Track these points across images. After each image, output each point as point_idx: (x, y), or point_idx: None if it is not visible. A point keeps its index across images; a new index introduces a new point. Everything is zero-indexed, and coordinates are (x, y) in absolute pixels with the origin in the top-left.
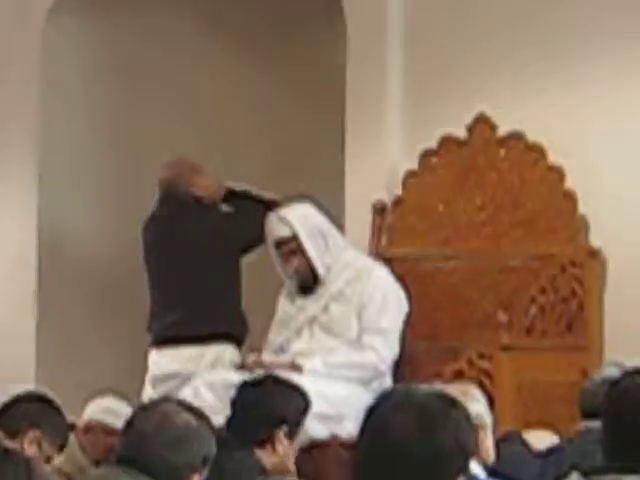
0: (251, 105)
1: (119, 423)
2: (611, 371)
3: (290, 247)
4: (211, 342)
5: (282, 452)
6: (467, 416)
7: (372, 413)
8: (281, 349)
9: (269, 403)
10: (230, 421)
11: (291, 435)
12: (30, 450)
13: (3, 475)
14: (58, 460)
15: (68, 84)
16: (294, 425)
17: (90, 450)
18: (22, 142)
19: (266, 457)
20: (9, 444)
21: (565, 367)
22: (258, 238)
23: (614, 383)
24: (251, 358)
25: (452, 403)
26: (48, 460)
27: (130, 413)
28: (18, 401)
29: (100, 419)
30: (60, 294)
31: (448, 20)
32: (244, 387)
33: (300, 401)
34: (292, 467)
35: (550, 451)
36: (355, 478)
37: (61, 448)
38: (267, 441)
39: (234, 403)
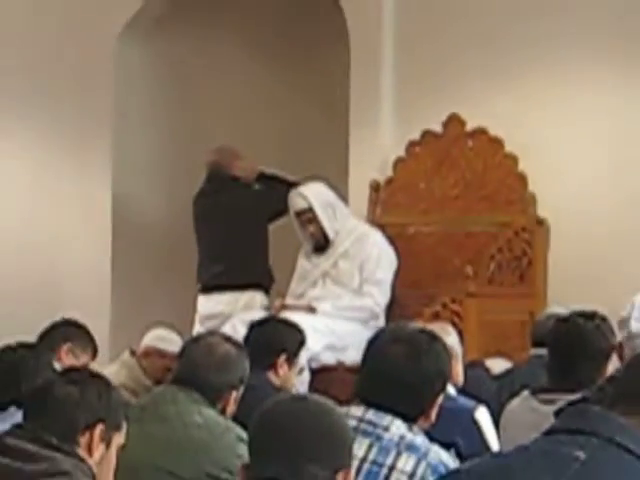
0: (274, 106)
1: (170, 347)
2: (557, 310)
3: (307, 216)
4: (245, 289)
5: (283, 375)
6: (445, 347)
7: (371, 345)
8: (300, 296)
9: (271, 336)
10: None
11: (290, 362)
12: (67, 359)
13: (87, 391)
14: (124, 377)
15: (138, 91)
16: (292, 354)
17: (149, 370)
18: (100, 132)
19: (273, 378)
20: (51, 355)
21: (517, 309)
22: (282, 210)
23: (559, 320)
24: (277, 302)
25: (433, 337)
26: (85, 367)
27: (179, 340)
28: (54, 326)
29: (155, 345)
30: (129, 254)
31: (431, 38)
32: (253, 325)
33: (297, 336)
34: (291, 388)
35: (505, 374)
36: (357, 396)
37: (93, 356)
38: (272, 366)
39: (247, 337)
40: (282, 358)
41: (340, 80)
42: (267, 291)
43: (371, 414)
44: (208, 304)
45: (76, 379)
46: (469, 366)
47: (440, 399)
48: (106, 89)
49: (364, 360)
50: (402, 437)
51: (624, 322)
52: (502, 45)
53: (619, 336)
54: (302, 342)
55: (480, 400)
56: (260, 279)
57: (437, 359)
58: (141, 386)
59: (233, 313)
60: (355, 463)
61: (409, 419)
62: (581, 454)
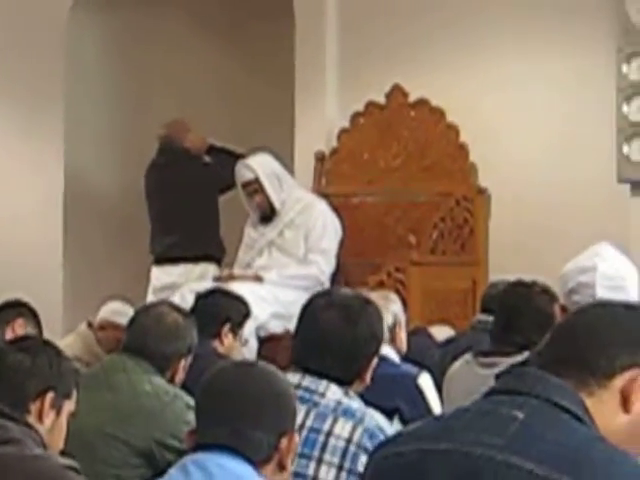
0: (221, 79)
1: (125, 321)
2: (504, 281)
3: (253, 187)
4: (198, 262)
5: (227, 344)
6: (377, 310)
7: (305, 311)
8: (247, 265)
9: (216, 307)
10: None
11: (234, 332)
12: (19, 330)
13: (38, 359)
14: (78, 350)
15: (88, 65)
16: (236, 325)
17: (104, 343)
18: (51, 105)
19: (218, 347)
20: (4, 328)
21: (459, 278)
22: (231, 182)
23: (508, 285)
24: (225, 272)
25: (367, 301)
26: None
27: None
28: (8, 303)
29: (110, 318)
30: (82, 226)
31: (374, 11)
32: (200, 296)
33: (241, 307)
34: (237, 356)
35: (448, 341)
36: (293, 362)
37: (39, 328)
38: (216, 335)
39: (193, 307)
40: (226, 328)
41: (286, 52)
42: (219, 263)
43: (307, 380)
44: (161, 276)
45: (27, 347)
46: (413, 333)
47: (374, 362)
48: (57, 63)
49: (298, 326)
50: (339, 403)
51: (581, 286)
52: (443, 18)
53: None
54: (246, 314)
55: (424, 366)
56: (212, 251)
57: (370, 322)
58: (95, 357)
59: (184, 283)
60: (295, 433)
61: (345, 383)
62: (519, 414)
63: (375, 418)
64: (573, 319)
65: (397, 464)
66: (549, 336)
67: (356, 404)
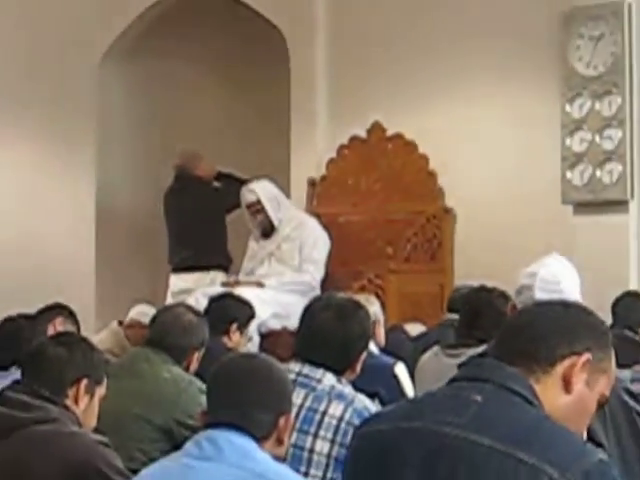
0: (230, 119)
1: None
2: (469, 283)
3: (256, 208)
4: (209, 270)
5: (235, 340)
6: (367, 313)
7: (306, 311)
8: (251, 273)
9: (226, 309)
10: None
11: (241, 330)
12: (59, 327)
13: (74, 351)
14: (110, 344)
15: (117, 106)
16: (243, 324)
17: (132, 339)
18: (85, 141)
19: (227, 342)
20: (46, 325)
21: (429, 283)
22: (237, 204)
23: (471, 289)
24: (232, 278)
25: (358, 304)
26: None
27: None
28: (50, 306)
29: (138, 318)
30: (110, 240)
31: (358, 60)
32: (212, 299)
33: (247, 310)
34: (242, 350)
35: (420, 336)
36: (295, 354)
37: (76, 325)
38: (225, 332)
39: (207, 309)
40: (234, 326)
41: (283, 95)
42: (226, 270)
43: (307, 369)
44: (178, 282)
45: (65, 341)
46: (390, 330)
47: (364, 355)
48: (90, 105)
49: (300, 324)
50: (332, 387)
51: (524, 288)
52: (414, 67)
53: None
54: (252, 316)
55: (399, 358)
56: (221, 261)
57: (361, 322)
58: (124, 350)
59: (198, 289)
60: (294, 409)
61: (338, 372)
62: (478, 397)
63: (362, 400)
64: (518, 317)
65: (377, 439)
66: (500, 331)
67: (347, 389)
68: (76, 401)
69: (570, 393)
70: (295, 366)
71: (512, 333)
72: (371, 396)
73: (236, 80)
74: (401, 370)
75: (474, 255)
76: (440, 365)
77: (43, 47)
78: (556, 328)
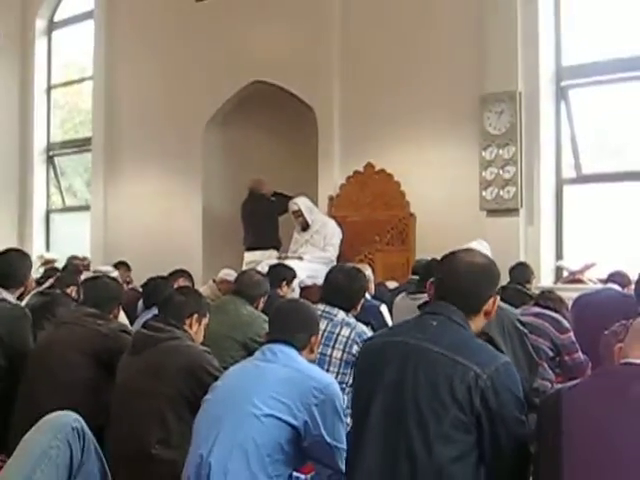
0: (283, 164)
1: (232, 278)
2: (423, 259)
3: (298, 214)
4: (267, 249)
5: (284, 291)
6: (364, 275)
7: (329, 274)
8: (294, 252)
9: (279, 271)
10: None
11: (288, 285)
12: (181, 283)
13: (189, 297)
14: (208, 294)
15: (215, 154)
16: (289, 281)
17: (222, 290)
18: (195, 174)
19: (279, 293)
20: (174, 282)
21: (400, 258)
22: (285, 210)
23: (428, 260)
24: (282, 255)
25: (358, 270)
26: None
27: (236, 274)
28: (176, 270)
29: (225, 277)
30: (211, 234)
31: (357, 126)
32: (270, 267)
33: (291, 272)
34: (289, 297)
35: (395, 289)
36: (321, 299)
37: (191, 282)
38: (279, 286)
39: (267, 272)
40: (284, 283)
41: (314, 148)
42: (278, 250)
43: (328, 308)
44: (249, 256)
45: (184, 292)
46: (377, 285)
47: (362, 300)
48: (199, 154)
49: (325, 281)
50: (343, 319)
51: None
52: (390, 131)
53: None
54: (294, 276)
55: (382, 301)
56: (275, 244)
57: (360, 281)
58: (218, 298)
59: (262, 260)
60: (320, 332)
61: (346, 310)
62: (434, 322)
63: (361, 327)
64: (457, 275)
65: (373, 348)
66: (446, 286)
67: (352, 320)
68: (190, 327)
69: (488, 319)
70: (321, 306)
71: (454, 288)
72: (366, 324)
73: (286, 136)
74: (384, 309)
75: (427, 241)
76: (406, 305)
77: (173, 113)
78: (480, 283)
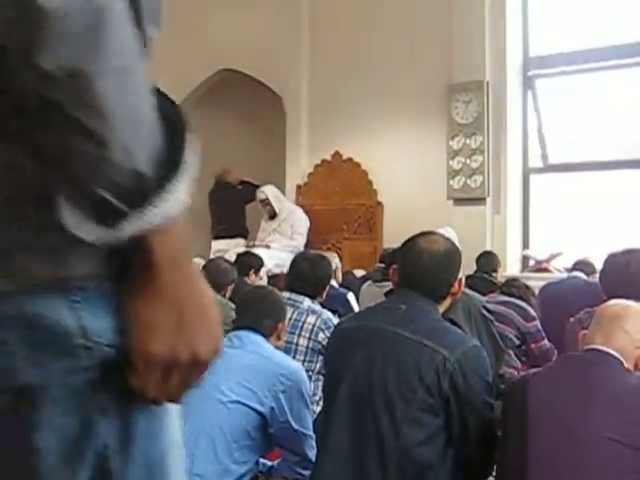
0: (251, 151)
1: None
2: (390, 248)
3: (265, 202)
4: (235, 238)
5: (252, 280)
6: (329, 262)
7: (293, 261)
8: (262, 240)
9: (247, 260)
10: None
11: (255, 273)
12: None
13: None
14: None
15: None
16: (257, 270)
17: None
18: None
19: (248, 281)
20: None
21: (368, 246)
22: (251, 199)
23: (390, 252)
24: (250, 243)
25: (323, 257)
26: None
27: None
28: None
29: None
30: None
31: (326, 110)
32: (238, 255)
33: (260, 260)
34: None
35: (362, 277)
36: (287, 286)
37: None
38: (247, 275)
39: (235, 261)
40: (251, 271)
41: (281, 135)
42: (245, 238)
43: (294, 295)
44: (216, 245)
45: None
46: (345, 273)
47: (328, 288)
48: None
49: (290, 269)
50: (309, 307)
51: None
52: (360, 120)
53: None
54: (262, 265)
55: (350, 289)
56: (242, 232)
57: (325, 268)
58: None
59: (230, 249)
60: (285, 321)
61: (312, 297)
62: (403, 306)
63: (328, 314)
64: (422, 264)
65: (342, 332)
66: (414, 274)
67: (318, 307)
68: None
69: (455, 298)
70: (286, 294)
71: (419, 276)
72: (333, 312)
73: (254, 125)
74: (351, 297)
75: (394, 229)
76: (372, 292)
77: None
78: (443, 270)
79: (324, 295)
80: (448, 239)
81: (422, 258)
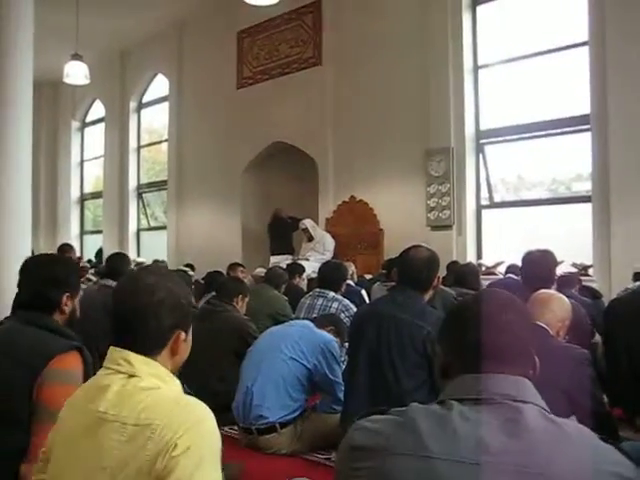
0: (295, 195)
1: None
2: (390, 258)
3: (305, 230)
4: (285, 254)
5: (298, 281)
6: (346, 268)
7: (320, 268)
8: (303, 256)
9: (292, 268)
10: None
11: (300, 277)
12: (238, 274)
13: (238, 284)
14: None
15: (249, 193)
16: (300, 275)
17: (256, 281)
18: (235, 207)
19: (294, 282)
20: (231, 273)
21: (374, 259)
22: (296, 227)
23: (388, 262)
24: (295, 258)
25: (341, 263)
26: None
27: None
28: (230, 264)
29: (258, 273)
30: (247, 243)
31: (346, 168)
32: (287, 265)
33: (302, 268)
34: (301, 285)
35: (370, 279)
36: (317, 284)
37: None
38: (294, 278)
39: (286, 268)
40: (297, 275)
41: (316, 187)
42: (292, 254)
43: (323, 290)
44: (274, 259)
45: (233, 280)
46: (359, 277)
47: (344, 286)
48: (238, 189)
49: (318, 272)
50: (333, 296)
51: None
52: (368, 173)
53: None
54: (304, 271)
55: (363, 287)
56: (290, 250)
57: (340, 270)
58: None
59: (282, 262)
60: (319, 307)
61: (335, 290)
62: (401, 298)
63: (348, 302)
64: (411, 268)
65: (359, 315)
66: (405, 274)
67: (340, 297)
68: (237, 303)
69: (435, 289)
70: (317, 289)
71: (410, 275)
72: (351, 302)
73: (297, 179)
74: (363, 292)
75: (391, 247)
76: (380, 289)
77: (221, 165)
78: (425, 269)
79: (343, 289)
80: (430, 249)
81: (412, 262)
